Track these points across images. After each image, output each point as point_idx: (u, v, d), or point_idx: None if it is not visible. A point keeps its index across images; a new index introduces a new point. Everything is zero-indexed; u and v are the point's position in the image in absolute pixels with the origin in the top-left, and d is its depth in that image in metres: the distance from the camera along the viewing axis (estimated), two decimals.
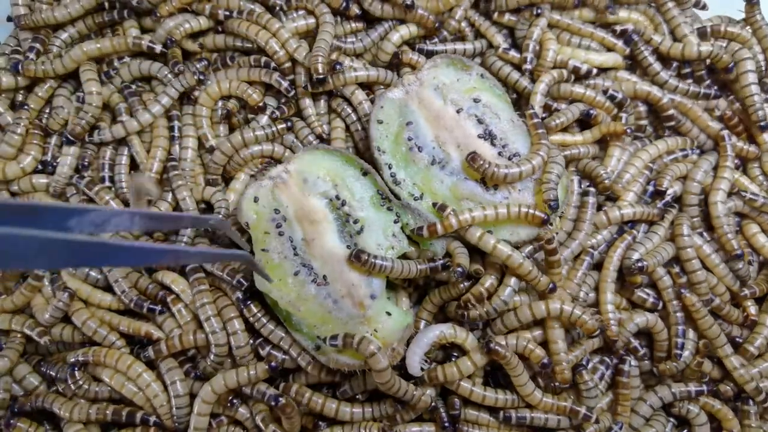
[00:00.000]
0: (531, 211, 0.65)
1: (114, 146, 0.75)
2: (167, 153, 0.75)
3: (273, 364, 0.66)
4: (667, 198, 0.75)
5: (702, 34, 0.80)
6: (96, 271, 0.70)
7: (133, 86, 0.76)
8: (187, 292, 0.69)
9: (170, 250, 0.49)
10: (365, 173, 0.67)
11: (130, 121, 0.74)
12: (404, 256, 0.66)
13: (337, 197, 0.66)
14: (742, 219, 0.78)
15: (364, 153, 0.75)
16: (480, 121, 0.69)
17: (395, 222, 0.66)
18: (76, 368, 0.66)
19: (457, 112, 0.69)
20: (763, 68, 0.81)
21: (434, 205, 0.65)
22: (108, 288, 0.71)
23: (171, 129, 0.75)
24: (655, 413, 0.72)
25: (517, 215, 0.65)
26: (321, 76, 0.72)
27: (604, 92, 0.77)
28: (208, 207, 0.75)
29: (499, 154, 0.68)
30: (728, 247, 0.73)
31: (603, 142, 0.79)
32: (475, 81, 0.71)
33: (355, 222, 0.65)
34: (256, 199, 0.66)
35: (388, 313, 0.65)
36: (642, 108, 0.79)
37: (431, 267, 0.65)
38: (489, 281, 0.66)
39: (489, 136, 0.69)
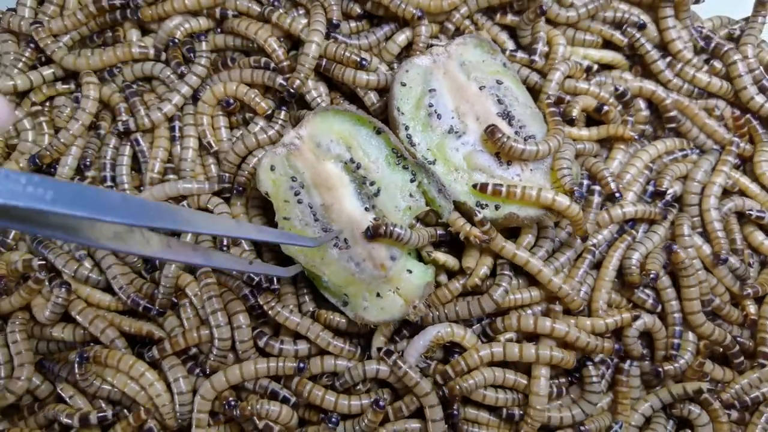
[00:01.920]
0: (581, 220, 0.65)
1: (115, 146, 0.75)
2: (168, 153, 0.75)
3: (302, 365, 0.67)
4: (667, 198, 0.75)
5: (703, 51, 0.79)
6: (96, 272, 0.71)
7: (134, 86, 0.76)
8: (192, 285, 0.69)
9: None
10: (379, 132, 0.67)
11: (155, 113, 0.74)
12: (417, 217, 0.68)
13: (352, 160, 0.66)
14: (741, 218, 0.78)
15: (377, 117, 0.75)
16: (500, 102, 0.70)
17: (411, 181, 0.66)
18: (86, 357, 0.66)
19: (480, 88, 0.70)
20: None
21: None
22: (106, 290, 0.71)
23: (172, 129, 0.75)
24: (656, 413, 0.72)
25: (570, 213, 0.65)
26: (293, 92, 0.73)
27: (615, 89, 0.76)
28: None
29: (516, 133, 0.69)
30: (720, 248, 0.73)
31: (603, 142, 0.78)
32: (499, 66, 0.72)
33: (372, 184, 0.66)
34: (272, 168, 0.66)
35: (409, 271, 0.66)
36: (645, 113, 0.79)
37: (440, 234, 0.68)
38: (483, 270, 0.67)
39: (507, 116, 0.70)
